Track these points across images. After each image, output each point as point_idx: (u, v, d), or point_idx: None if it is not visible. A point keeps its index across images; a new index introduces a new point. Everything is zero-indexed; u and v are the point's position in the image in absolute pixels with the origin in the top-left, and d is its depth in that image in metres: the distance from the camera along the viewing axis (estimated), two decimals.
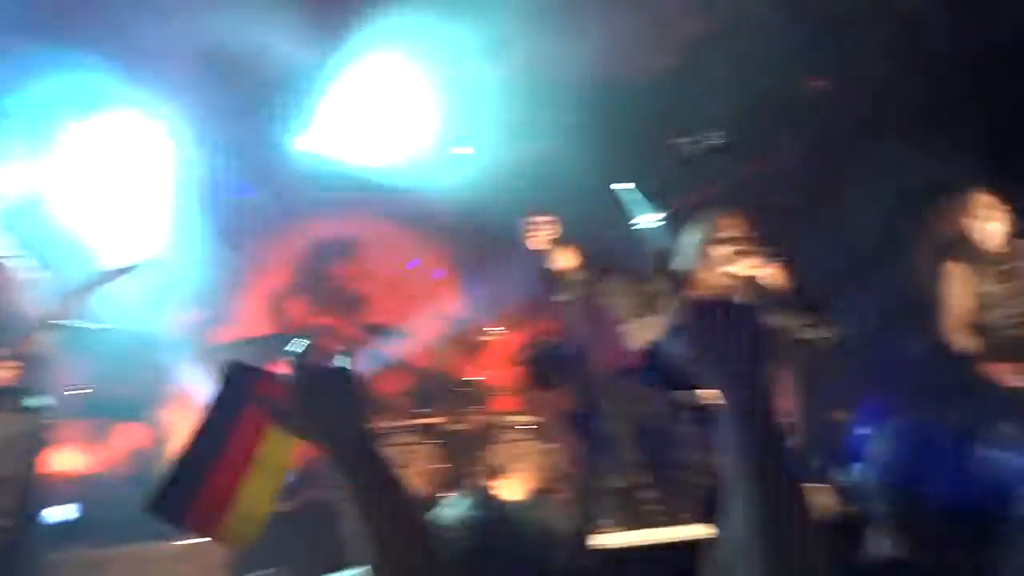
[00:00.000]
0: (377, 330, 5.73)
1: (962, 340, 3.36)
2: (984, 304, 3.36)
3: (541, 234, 2.98)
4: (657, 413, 3.04)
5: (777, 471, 0.79)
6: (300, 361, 1.04)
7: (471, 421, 4.81)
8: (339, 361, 1.09)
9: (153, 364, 4.69)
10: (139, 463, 4.79)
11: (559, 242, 3.01)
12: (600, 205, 6.23)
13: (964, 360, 3.31)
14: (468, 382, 5.11)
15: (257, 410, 1.08)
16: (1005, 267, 3.35)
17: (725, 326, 0.86)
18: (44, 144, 4.62)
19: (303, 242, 6.48)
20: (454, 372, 5.34)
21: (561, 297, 3.09)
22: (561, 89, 5.68)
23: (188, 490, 1.07)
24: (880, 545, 1.31)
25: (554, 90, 5.68)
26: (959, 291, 3.37)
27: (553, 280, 3.07)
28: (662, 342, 0.98)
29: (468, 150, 6.19)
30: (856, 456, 1.63)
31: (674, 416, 3.00)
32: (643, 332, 3.06)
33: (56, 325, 2.95)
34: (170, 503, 1.06)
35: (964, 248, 3.40)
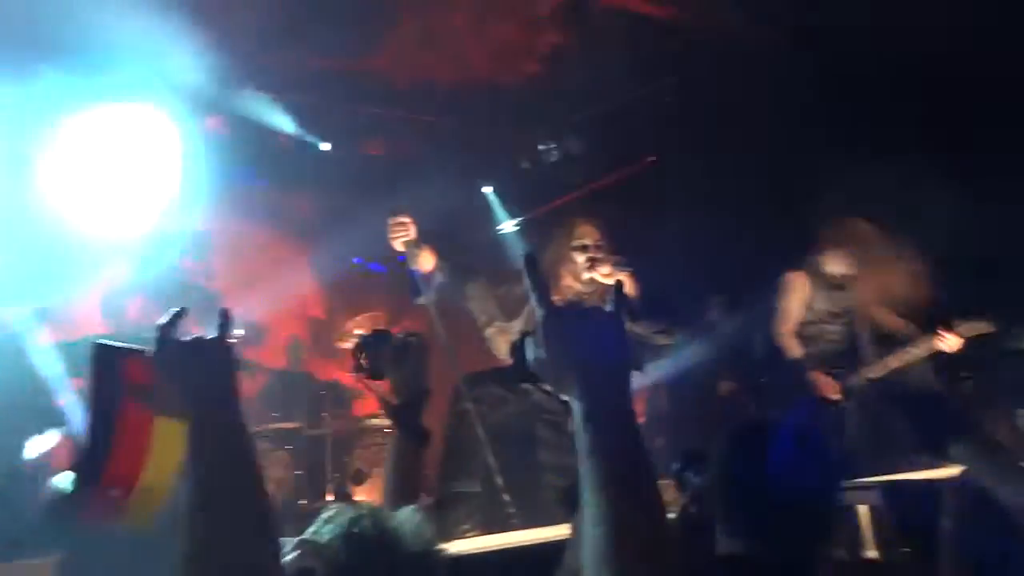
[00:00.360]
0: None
1: (791, 347, 3.65)
2: (814, 319, 3.67)
3: (400, 234, 2.95)
4: (517, 416, 3.10)
5: (633, 473, 0.81)
6: (162, 334, 1.00)
7: (332, 425, 4.68)
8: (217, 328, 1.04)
9: None
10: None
11: (419, 243, 2.99)
12: (462, 208, 6.28)
13: (792, 364, 3.61)
14: (328, 385, 4.98)
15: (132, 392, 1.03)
16: (841, 292, 3.69)
17: (583, 332, 0.87)
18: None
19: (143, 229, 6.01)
20: (313, 375, 5.19)
21: (421, 299, 3.06)
22: (419, 90, 5.69)
23: (92, 478, 1.03)
24: (725, 543, 1.40)
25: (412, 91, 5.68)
26: (794, 302, 3.67)
27: (415, 281, 3.05)
28: (522, 346, 1.00)
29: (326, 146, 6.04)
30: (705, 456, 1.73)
31: (534, 419, 3.07)
32: (503, 336, 3.11)
33: None
34: (77, 493, 1.05)
35: (810, 264, 3.72)
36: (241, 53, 5.32)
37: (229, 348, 1.03)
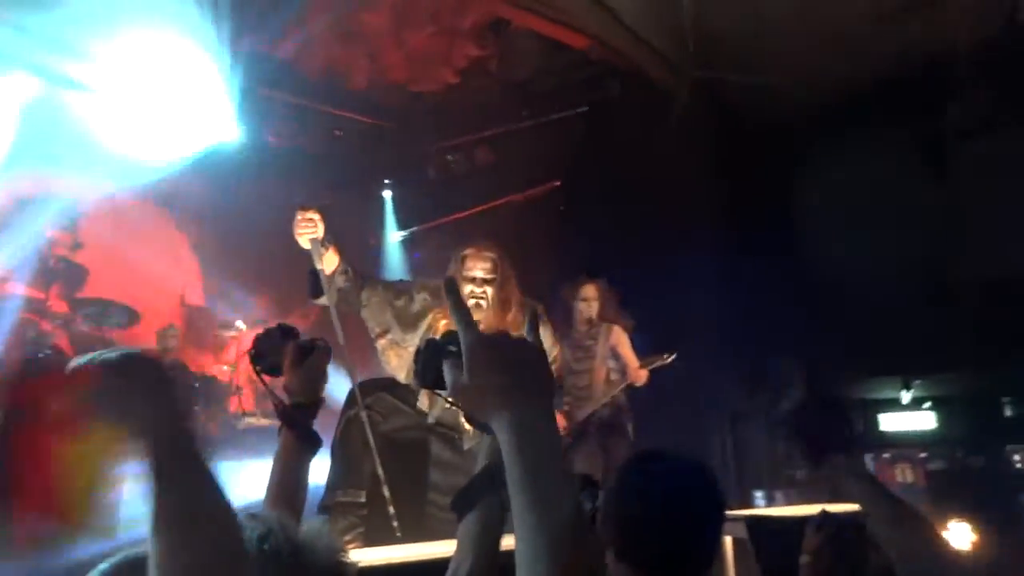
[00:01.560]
0: (94, 307, 5.07)
1: None
2: (570, 370, 4.16)
3: (308, 230, 2.82)
4: (411, 428, 3.05)
5: (556, 496, 0.83)
6: (102, 355, 0.93)
7: (205, 420, 4.46)
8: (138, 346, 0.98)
9: None
10: None
11: (325, 242, 2.86)
12: (357, 211, 6.17)
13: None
14: (202, 377, 4.74)
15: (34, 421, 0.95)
16: (583, 343, 4.22)
17: (510, 359, 0.88)
18: None
19: (7, 195, 5.51)
20: (188, 366, 4.92)
21: (322, 300, 2.95)
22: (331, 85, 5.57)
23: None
24: (614, 567, 1.45)
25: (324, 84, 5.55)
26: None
27: (316, 280, 2.92)
28: (428, 355, 1.00)
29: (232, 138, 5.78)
30: (596, 482, 1.79)
31: (428, 433, 3.03)
32: (394, 350, 3.04)
33: None
34: None
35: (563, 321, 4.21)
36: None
37: (155, 364, 0.97)
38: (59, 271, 5.34)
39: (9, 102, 4.95)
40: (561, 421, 3.80)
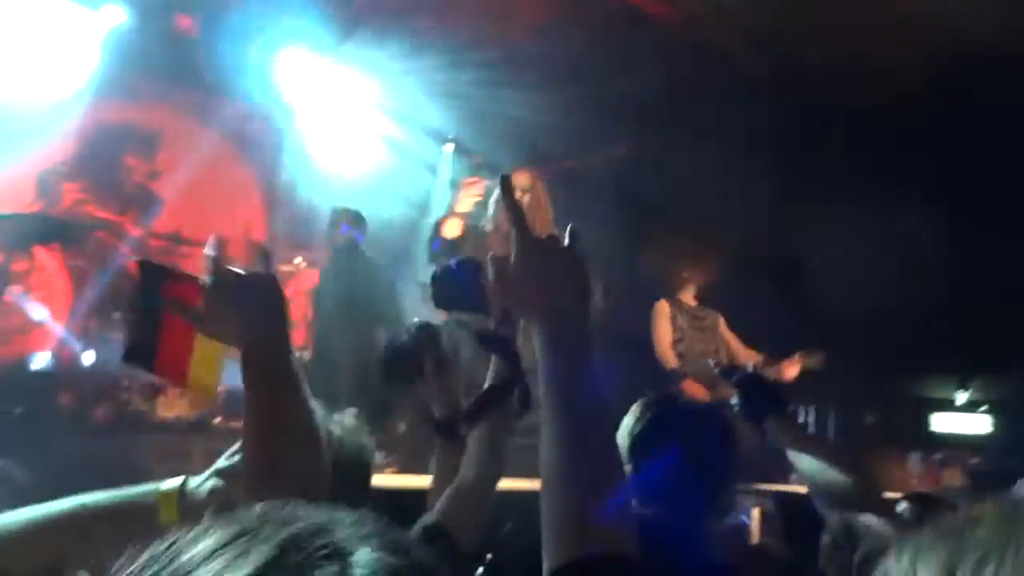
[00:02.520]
0: (169, 239, 5.30)
1: (669, 362, 4.11)
2: (686, 339, 4.15)
3: (474, 194, 2.95)
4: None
5: (591, 399, 0.86)
6: (216, 263, 1.00)
7: None
8: (258, 264, 1.06)
9: None
10: None
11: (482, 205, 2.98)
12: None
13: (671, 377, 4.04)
14: None
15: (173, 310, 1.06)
16: (699, 314, 4.22)
17: (557, 264, 0.92)
18: None
19: (93, 121, 5.76)
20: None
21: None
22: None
23: (146, 365, 1.10)
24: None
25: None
26: (666, 324, 4.16)
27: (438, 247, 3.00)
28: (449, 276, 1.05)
29: None
30: None
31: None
32: None
33: None
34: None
35: (672, 289, 4.22)
36: None
37: (279, 287, 1.05)
38: (136, 197, 5.58)
39: (94, 31, 5.15)
40: (700, 391, 3.87)
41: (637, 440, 1.50)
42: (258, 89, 5.57)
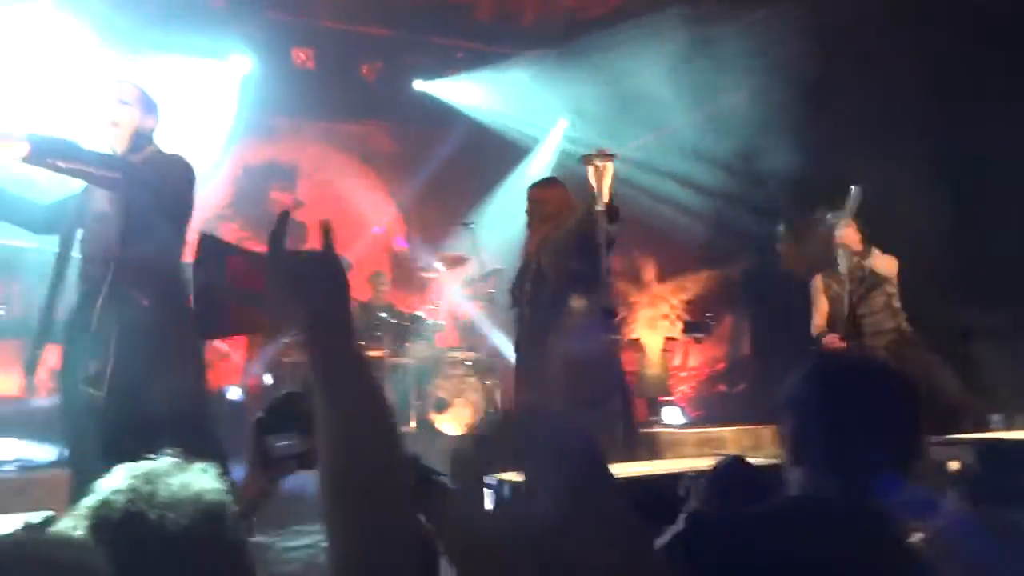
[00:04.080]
0: None
1: (827, 339, 3.90)
2: (846, 306, 3.88)
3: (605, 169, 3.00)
4: None
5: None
6: (277, 243, 0.96)
7: (415, 355, 4.86)
8: (322, 241, 0.99)
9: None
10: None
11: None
12: None
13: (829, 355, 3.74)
14: (412, 317, 5.14)
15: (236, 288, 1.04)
16: (861, 282, 3.90)
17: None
18: None
19: (239, 164, 6.27)
20: (397, 306, 5.36)
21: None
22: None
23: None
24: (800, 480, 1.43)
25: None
26: (823, 296, 3.99)
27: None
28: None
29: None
30: None
31: None
32: None
33: None
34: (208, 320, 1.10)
35: (829, 262, 3.96)
36: None
37: (341, 264, 0.98)
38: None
39: (227, 81, 5.58)
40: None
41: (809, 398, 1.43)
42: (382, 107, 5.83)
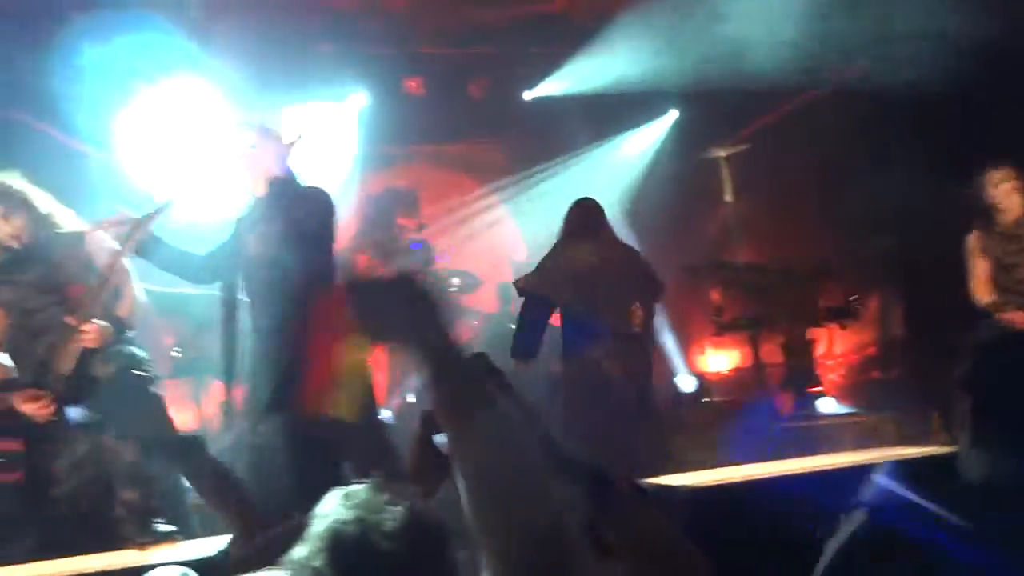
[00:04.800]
0: (452, 277, 5.79)
1: (985, 298, 3.60)
2: (1003, 266, 3.60)
3: None
4: None
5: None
6: (353, 277, 1.04)
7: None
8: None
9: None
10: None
11: None
12: None
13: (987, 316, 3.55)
14: None
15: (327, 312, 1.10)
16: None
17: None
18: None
19: (363, 195, 6.57)
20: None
21: None
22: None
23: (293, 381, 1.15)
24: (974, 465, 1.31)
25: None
26: (980, 256, 3.66)
27: None
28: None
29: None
30: None
31: None
32: None
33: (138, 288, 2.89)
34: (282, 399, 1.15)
35: (985, 218, 3.65)
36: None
37: (421, 286, 0.99)
38: (411, 253, 6.21)
39: (350, 117, 5.88)
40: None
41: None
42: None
